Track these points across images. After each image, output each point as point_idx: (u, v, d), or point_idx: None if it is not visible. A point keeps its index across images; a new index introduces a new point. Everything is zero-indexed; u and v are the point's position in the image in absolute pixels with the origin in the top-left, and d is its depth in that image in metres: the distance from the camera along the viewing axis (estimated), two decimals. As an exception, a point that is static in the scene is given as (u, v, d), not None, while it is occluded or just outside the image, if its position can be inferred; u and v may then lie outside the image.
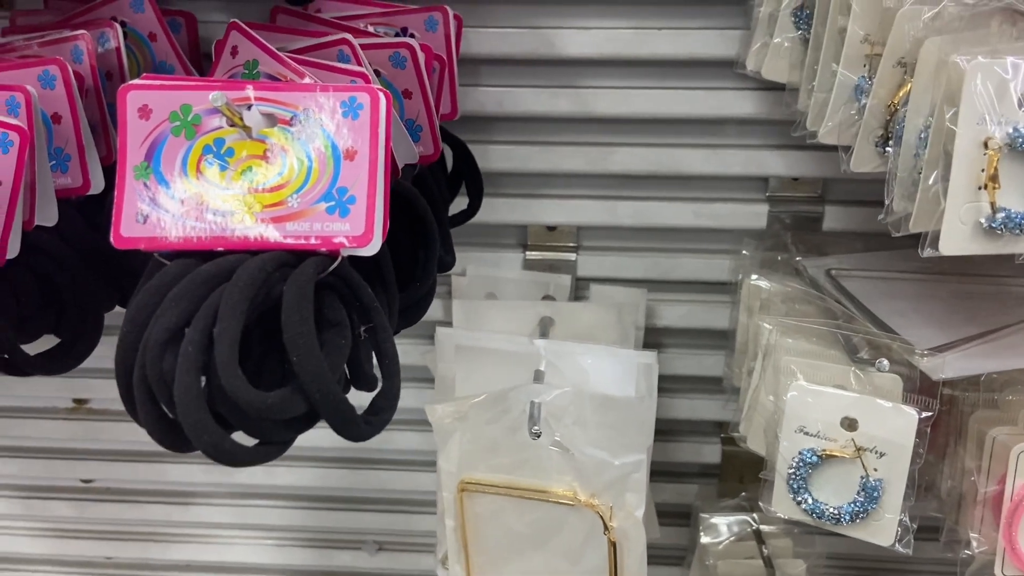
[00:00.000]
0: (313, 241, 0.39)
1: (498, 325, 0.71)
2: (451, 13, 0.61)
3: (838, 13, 0.50)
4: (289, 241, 0.39)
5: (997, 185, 0.40)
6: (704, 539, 0.79)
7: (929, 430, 0.64)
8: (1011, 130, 0.40)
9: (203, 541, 0.91)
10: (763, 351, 0.61)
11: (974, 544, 0.57)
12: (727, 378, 0.74)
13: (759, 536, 0.76)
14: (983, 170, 0.41)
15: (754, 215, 0.74)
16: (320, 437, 0.85)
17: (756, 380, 0.62)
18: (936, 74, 0.42)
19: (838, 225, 0.73)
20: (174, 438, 0.38)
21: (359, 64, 0.46)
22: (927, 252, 0.43)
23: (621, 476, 0.58)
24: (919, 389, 0.53)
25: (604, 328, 0.72)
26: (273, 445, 0.39)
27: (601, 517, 0.59)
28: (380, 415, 0.41)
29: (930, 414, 0.52)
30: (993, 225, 0.41)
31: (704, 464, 0.84)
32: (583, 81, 0.71)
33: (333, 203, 0.40)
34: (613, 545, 0.59)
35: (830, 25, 0.51)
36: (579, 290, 0.78)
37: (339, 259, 0.40)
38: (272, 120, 0.41)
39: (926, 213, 0.43)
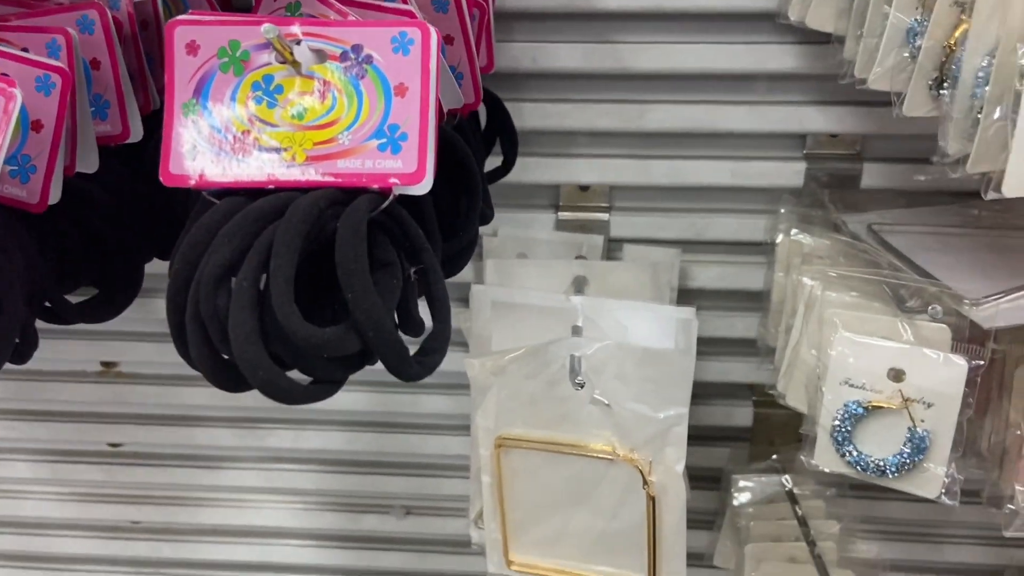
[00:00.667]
0: (365, 178, 0.39)
1: (531, 284, 0.71)
2: (487, -37, 0.60)
3: (889, -46, 0.49)
4: (341, 179, 0.39)
5: None
6: (736, 501, 0.79)
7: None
8: None
9: (231, 505, 0.91)
10: (804, 305, 0.60)
11: (1019, 498, 0.56)
12: (761, 339, 0.74)
13: (793, 497, 0.76)
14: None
15: (791, 173, 0.73)
16: (349, 400, 0.85)
17: (796, 336, 0.61)
18: (999, 7, 0.41)
19: (877, 183, 0.71)
20: (227, 376, 0.37)
21: (405, 2, 0.45)
22: (990, 195, 0.42)
23: (662, 430, 0.57)
24: (968, 339, 0.52)
25: (638, 288, 0.71)
26: (327, 384, 0.39)
27: (640, 471, 0.58)
28: (431, 356, 0.41)
29: (981, 363, 0.51)
30: None
31: (735, 427, 0.83)
32: (619, 36, 0.70)
33: (385, 140, 0.39)
34: (652, 500, 0.59)
35: (880, -33, 0.50)
36: (612, 251, 0.77)
37: (391, 197, 0.39)
38: (322, 56, 0.40)
39: (988, 153, 0.42)
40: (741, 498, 0.78)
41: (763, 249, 0.73)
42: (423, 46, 0.40)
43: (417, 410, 0.84)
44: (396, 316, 0.43)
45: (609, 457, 0.59)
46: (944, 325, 0.53)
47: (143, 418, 0.89)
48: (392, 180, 0.39)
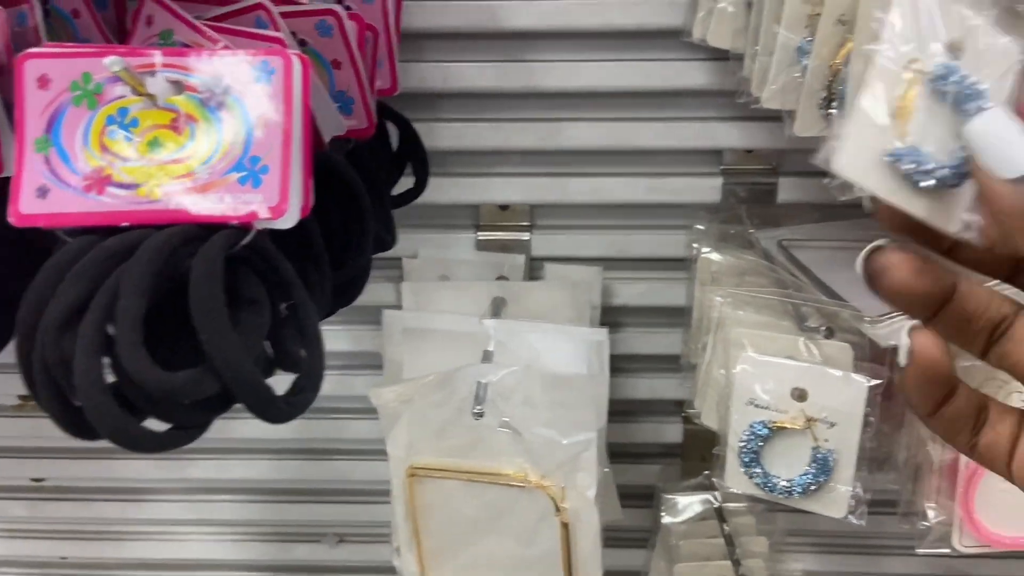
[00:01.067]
0: (224, 213, 0.37)
1: (449, 307, 0.70)
2: (388, -17, 0.59)
3: (778, -28, 0.49)
4: (198, 214, 0.37)
5: (910, 114, 0.36)
6: (666, 519, 0.78)
7: (885, 400, 0.63)
8: (935, 63, 0.38)
9: (159, 538, 0.89)
10: (714, 324, 0.59)
11: (931, 515, 0.56)
12: (684, 355, 0.73)
13: (721, 514, 0.75)
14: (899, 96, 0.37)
15: (709, 189, 0.72)
16: (274, 428, 0.84)
17: (708, 354, 0.60)
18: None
19: (792, 197, 0.71)
20: (78, 424, 0.36)
21: (277, 30, 0.44)
22: (820, 159, 0.39)
23: (571, 456, 0.56)
24: (870, 357, 0.52)
25: (558, 307, 0.70)
26: (186, 430, 0.37)
27: (552, 498, 0.57)
28: (301, 395, 0.39)
29: (879, 382, 0.51)
30: (893, 157, 0.36)
31: (666, 444, 0.83)
32: (531, 55, 0.69)
33: (245, 173, 0.38)
34: (565, 526, 0.58)
35: (770, -15, 0.50)
36: (534, 270, 0.76)
37: (252, 232, 0.38)
38: (179, 87, 0.39)
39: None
40: (671, 516, 0.78)
41: (684, 265, 0.73)
42: (285, 76, 0.39)
43: (345, 435, 0.82)
44: (272, 352, 0.42)
45: (521, 484, 0.58)
46: (845, 344, 0.52)
47: (64, 452, 0.86)
48: (252, 213, 0.38)
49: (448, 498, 0.60)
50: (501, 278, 0.75)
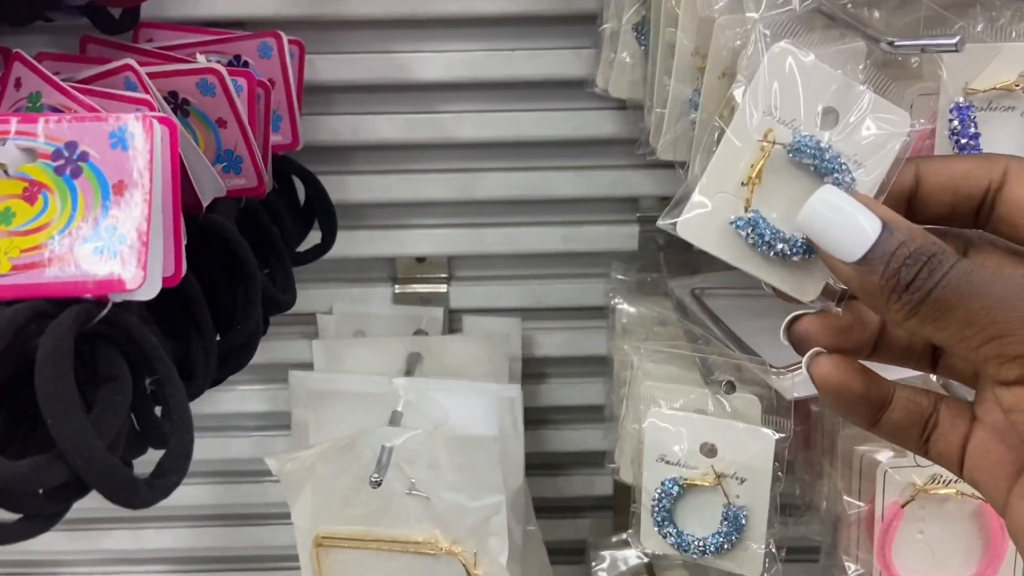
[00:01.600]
0: (77, 287, 0.35)
1: (363, 364, 0.68)
2: (286, 39, 0.58)
3: (667, 26, 0.48)
4: (49, 289, 0.35)
5: (759, 182, 0.36)
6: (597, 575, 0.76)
7: (803, 450, 0.62)
8: (794, 134, 0.37)
9: (72, 613, 0.85)
10: (628, 377, 0.58)
11: (850, 568, 0.55)
12: (607, 406, 0.72)
13: (651, 570, 0.73)
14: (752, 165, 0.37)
15: (626, 237, 0.72)
16: (191, 494, 0.80)
17: (624, 408, 0.59)
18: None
19: (709, 243, 0.71)
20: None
21: (145, 91, 0.43)
22: (664, 223, 0.38)
23: (481, 520, 0.55)
24: (778, 409, 0.51)
25: (476, 361, 0.69)
26: (38, 519, 0.35)
27: (464, 565, 0.55)
28: (166, 478, 0.37)
29: (785, 435, 0.50)
30: (738, 225, 0.36)
31: (597, 496, 0.81)
32: (440, 106, 0.68)
33: (101, 243, 0.36)
34: (479, 593, 0.55)
35: (661, 38, 0.49)
36: (453, 322, 0.75)
37: (108, 305, 0.36)
38: (32, 155, 0.37)
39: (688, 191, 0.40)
40: (602, 572, 0.75)
41: (604, 313, 0.72)
42: (146, 140, 0.37)
43: (265, 500, 0.79)
44: (139, 428, 0.40)
45: (432, 552, 0.56)
46: (753, 396, 0.51)
47: (-32, 525, 0.82)
48: (109, 286, 0.35)
49: (358, 568, 0.58)
50: (419, 332, 0.73)
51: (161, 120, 0.38)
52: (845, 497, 0.54)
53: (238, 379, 0.77)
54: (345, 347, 0.68)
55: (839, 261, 0.27)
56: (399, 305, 0.74)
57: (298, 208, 0.65)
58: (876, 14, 0.44)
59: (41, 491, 0.35)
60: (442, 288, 0.74)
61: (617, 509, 0.81)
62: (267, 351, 0.75)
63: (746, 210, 0.36)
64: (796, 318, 0.30)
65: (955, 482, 0.52)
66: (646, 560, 0.74)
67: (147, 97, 0.41)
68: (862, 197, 0.28)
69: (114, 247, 0.36)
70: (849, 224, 0.27)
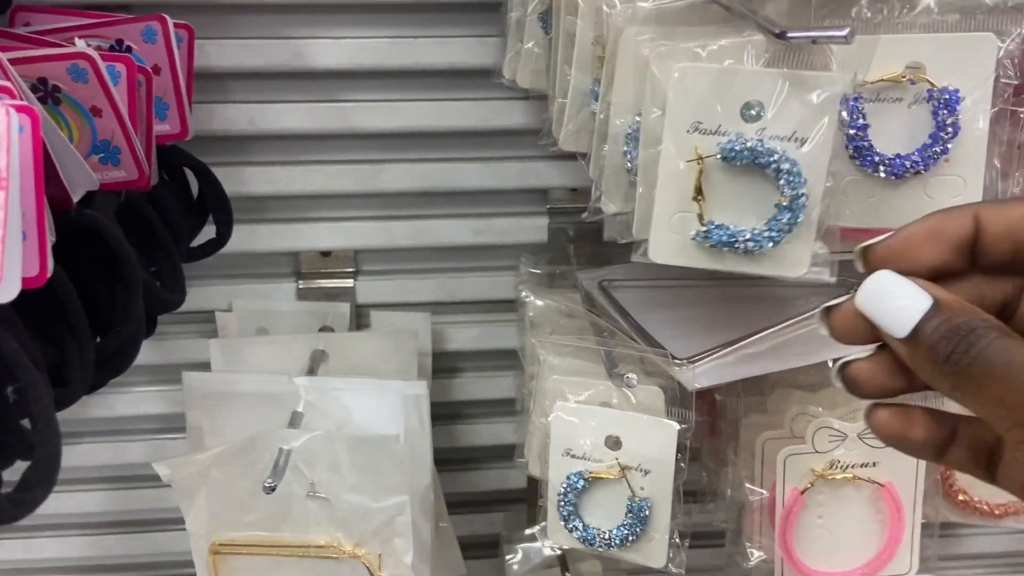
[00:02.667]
0: (-77, 290, 0.33)
1: (265, 364, 0.65)
2: (171, 23, 0.55)
3: (567, 14, 0.48)
4: None
5: (702, 198, 0.39)
6: (511, 570, 0.75)
7: (709, 438, 0.62)
8: (721, 140, 0.39)
9: (-40, 631, 0.80)
10: (536, 371, 0.58)
11: (753, 554, 0.55)
12: (519, 400, 0.71)
13: (564, 562, 0.73)
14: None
15: (535, 228, 0.71)
16: (86, 501, 0.76)
17: (532, 402, 0.58)
18: (637, 70, 0.40)
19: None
20: None
21: (7, 79, 0.40)
22: (638, 256, 0.41)
23: (386, 520, 0.53)
24: (681, 400, 0.51)
25: (383, 358, 0.67)
26: None
27: (368, 568, 0.54)
28: (32, 491, 0.34)
29: (687, 425, 0.50)
30: (699, 239, 0.39)
31: (512, 490, 0.80)
32: (342, 95, 0.66)
33: (-51, 242, 0.33)
34: (384, 596, 0.54)
35: (562, 27, 0.48)
36: (361, 318, 0.73)
37: (-40, 310, 0.33)
38: None
39: (645, 219, 0.41)
40: (515, 565, 0.75)
41: (516, 306, 0.71)
42: (3, 129, 0.34)
43: (164, 505, 0.76)
44: (2, 438, 0.37)
45: (335, 556, 0.54)
46: (657, 388, 0.51)
47: None
48: (-43, 290, 0.33)
49: (258, 575, 0.56)
50: (325, 328, 0.71)
51: (20, 108, 0.35)
52: (747, 484, 0.55)
53: (133, 381, 0.74)
54: (245, 346, 0.65)
55: (892, 337, 0.28)
56: (304, 301, 0.71)
57: (191, 201, 0.62)
58: (770, 4, 0.44)
59: None
60: (348, 283, 0.72)
61: (531, 502, 0.81)
62: (163, 351, 0.72)
63: (701, 223, 0.39)
64: (848, 362, 0.30)
65: (852, 467, 0.53)
66: (559, 552, 0.74)
67: (7, 84, 0.38)
68: (917, 280, 0.28)
69: (-35, 246, 0.33)
70: (897, 303, 0.28)
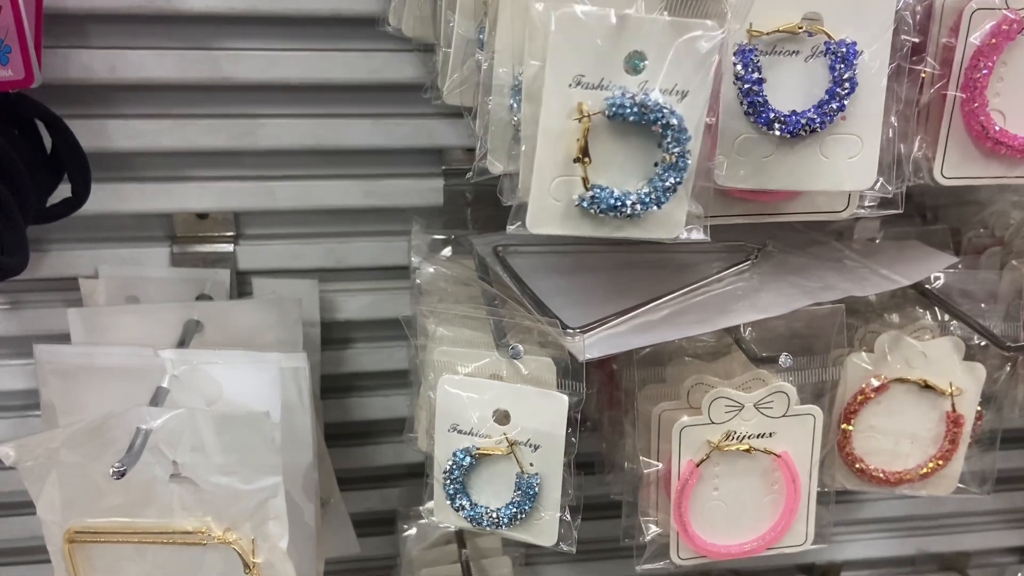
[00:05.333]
0: None
1: (132, 335, 0.60)
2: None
3: (450, -45, 0.44)
4: None
5: (588, 159, 0.35)
6: (407, 547, 0.73)
7: (609, 409, 0.60)
8: (608, 96, 0.36)
9: None
10: (425, 342, 0.54)
11: (649, 528, 0.54)
12: (412, 372, 0.68)
13: (461, 538, 0.70)
14: (577, 139, 0.35)
15: (430, 191, 0.67)
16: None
17: (421, 377, 0.55)
18: (519, 15, 0.36)
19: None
20: None
21: None
22: (512, 228, 0.38)
23: (258, 503, 0.49)
24: (574, 372, 0.48)
25: (265, 329, 0.62)
26: None
27: (240, 554, 0.50)
28: None
29: (579, 398, 0.47)
30: (584, 205, 0.36)
31: (408, 464, 0.77)
32: (215, 42, 0.60)
33: None
34: (259, 583, 0.50)
35: (445, -30, 0.44)
36: (243, 286, 0.68)
37: None
38: None
39: (528, 182, 0.37)
40: (412, 544, 0.72)
41: (408, 273, 0.67)
42: None
43: (8, 488, 0.70)
44: None
45: (203, 542, 0.50)
46: (548, 359, 0.48)
47: None
48: None
49: (119, 564, 0.51)
50: (203, 297, 0.66)
51: None
52: (643, 457, 0.53)
53: (-10, 354, 0.67)
54: (109, 316, 0.60)
55: None
56: (178, 267, 0.66)
57: (43, 157, 0.56)
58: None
59: None
60: (228, 247, 0.67)
61: (428, 476, 0.78)
62: (22, 321, 0.66)
63: (585, 187, 0.36)
64: None
65: (748, 438, 0.51)
66: (455, 528, 0.72)
67: None
68: None
69: None
70: None
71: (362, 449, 0.76)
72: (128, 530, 0.50)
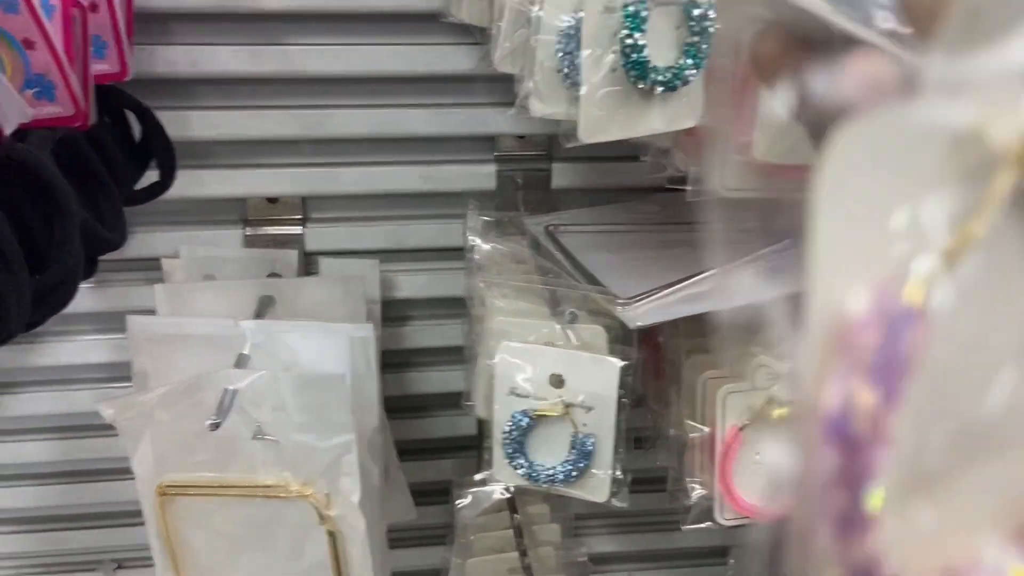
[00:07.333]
0: None
1: (211, 309, 0.65)
2: (107, -44, 0.54)
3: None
4: None
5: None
6: (460, 514, 0.76)
7: (654, 379, 0.64)
8: None
9: (-96, 584, 0.79)
10: (482, 314, 0.58)
11: (694, 491, 0.57)
12: (466, 346, 0.72)
13: (513, 505, 0.74)
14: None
15: (483, 176, 0.71)
16: (33, 451, 0.76)
17: (478, 345, 0.59)
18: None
19: (565, 182, 0.71)
20: None
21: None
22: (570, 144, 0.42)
23: (332, 460, 0.54)
24: (624, 338, 0.52)
25: (331, 304, 0.67)
26: None
27: (316, 507, 0.54)
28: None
29: (630, 362, 0.51)
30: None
31: (461, 437, 0.81)
32: (287, 38, 0.65)
33: None
34: (332, 535, 0.55)
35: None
36: (309, 265, 0.72)
37: None
38: None
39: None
40: (465, 510, 0.76)
41: (463, 254, 0.71)
42: (-76, 53, 0.33)
43: (110, 454, 0.76)
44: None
45: (282, 496, 0.54)
46: (600, 327, 0.52)
47: None
48: None
49: (206, 517, 0.56)
50: (273, 275, 0.70)
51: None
52: (688, 422, 0.56)
53: (78, 329, 0.73)
54: (190, 291, 0.65)
55: None
56: (251, 248, 0.71)
57: (133, 145, 0.61)
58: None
59: None
60: (296, 230, 0.71)
61: (481, 448, 0.82)
62: (108, 298, 0.71)
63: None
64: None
65: (788, 404, 0.54)
66: (508, 496, 0.75)
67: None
68: None
69: None
70: None
71: (418, 421, 0.81)
72: (214, 484, 0.55)
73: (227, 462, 0.54)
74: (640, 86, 0.44)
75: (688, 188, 0.48)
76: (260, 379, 0.52)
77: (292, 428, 0.53)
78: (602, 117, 0.45)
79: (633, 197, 0.70)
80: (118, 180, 0.57)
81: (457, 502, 0.76)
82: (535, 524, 0.75)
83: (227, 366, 0.56)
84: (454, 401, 0.80)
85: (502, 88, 0.68)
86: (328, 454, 0.53)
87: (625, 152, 0.70)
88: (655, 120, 0.46)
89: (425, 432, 0.81)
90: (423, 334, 0.76)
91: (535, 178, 0.71)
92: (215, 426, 0.49)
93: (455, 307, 0.75)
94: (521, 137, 0.70)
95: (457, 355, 0.77)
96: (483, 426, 0.81)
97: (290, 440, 0.53)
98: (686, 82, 0.44)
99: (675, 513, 0.87)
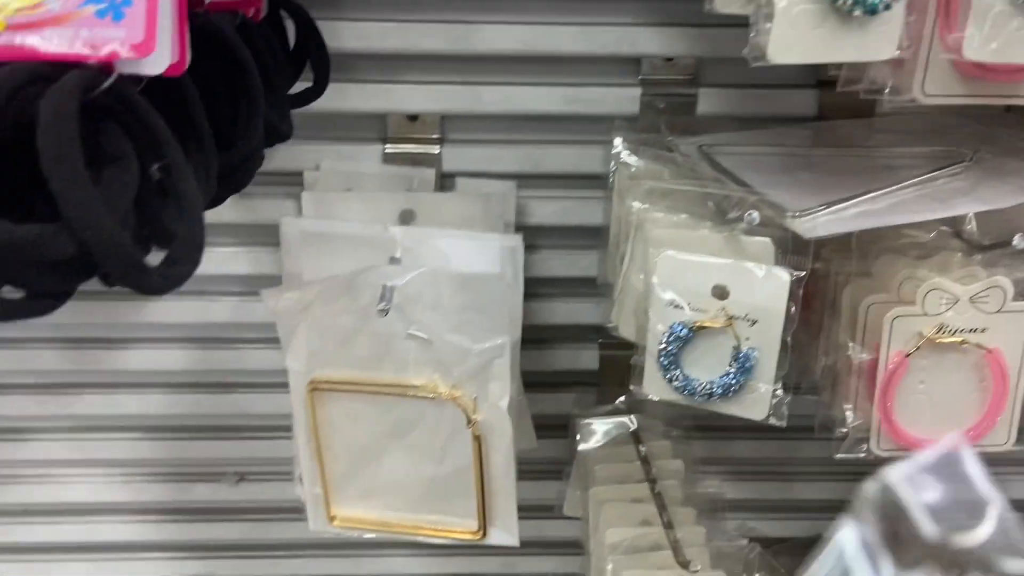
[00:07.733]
0: (79, 50, 0.32)
1: (354, 218, 0.65)
2: None
3: None
4: (48, 51, 0.32)
5: None
6: (582, 445, 0.76)
7: (803, 310, 0.61)
8: None
9: (42, 481, 0.82)
10: (633, 229, 0.57)
11: (848, 418, 0.55)
12: (601, 275, 0.71)
13: (637, 437, 0.73)
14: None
15: (628, 99, 0.69)
16: (166, 359, 0.78)
17: (627, 262, 0.58)
18: None
19: (712, 109, 0.69)
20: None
21: None
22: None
23: (483, 363, 0.53)
24: (795, 249, 0.50)
25: (470, 220, 0.67)
26: (41, 298, 0.32)
27: (464, 410, 0.54)
28: (176, 267, 0.35)
29: (803, 273, 0.49)
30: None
31: (583, 371, 0.80)
32: (439, -50, 0.64)
33: (104, 5, 0.33)
34: (478, 439, 0.55)
35: None
36: (444, 186, 0.72)
37: (114, 75, 0.33)
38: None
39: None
40: (587, 442, 0.76)
41: (602, 182, 0.70)
42: None
43: (244, 366, 0.77)
44: (145, 224, 0.37)
45: (431, 396, 0.54)
46: (767, 239, 0.50)
47: (-72, 389, 0.78)
48: (112, 50, 0.32)
49: (354, 415, 0.56)
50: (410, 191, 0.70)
51: None
52: (850, 343, 0.54)
53: (218, 241, 0.74)
54: (336, 200, 0.65)
55: None
56: (389, 165, 0.71)
57: (287, 49, 0.61)
58: None
59: (42, 265, 0.32)
60: (435, 149, 0.71)
61: (602, 383, 0.81)
62: (250, 210, 0.72)
63: None
64: None
65: (961, 332, 0.52)
66: (632, 429, 0.75)
67: None
68: None
69: (119, 9, 0.33)
70: None
71: (540, 353, 0.80)
72: (365, 382, 0.55)
73: (380, 360, 0.55)
74: (838, 3, 0.41)
75: (879, 96, 0.46)
76: (419, 276, 0.52)
77: (447, 328, 0.53)
78: (794, 36, 0.42)
79: (782, 125, 0.67)
80: (273, 83, 0.58)
81: (578, 436, 0.76)
82: (658, 459, 0.74)
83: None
84: (578, 334, 0.79)
85: (651, 8, 0.67)
86: (480, 356, 0.53)
87: (775, 80, 0.68)
88: (847, 48, 0.43)
89: (546, 364, 0.80)
90: (552, 262, 0.76)
91: (680, 103, 0.69)
92: (385, 312, 0.49)
93: (588, 237, 0.74)
94: (669, 59, 0.68)
95: (585, 287, 0.76)
96: (606, 362, 0.80)
97: (444, 340, 0.53)
98: (888, 6, 0.41)
99: (788, 463, 0.85)
